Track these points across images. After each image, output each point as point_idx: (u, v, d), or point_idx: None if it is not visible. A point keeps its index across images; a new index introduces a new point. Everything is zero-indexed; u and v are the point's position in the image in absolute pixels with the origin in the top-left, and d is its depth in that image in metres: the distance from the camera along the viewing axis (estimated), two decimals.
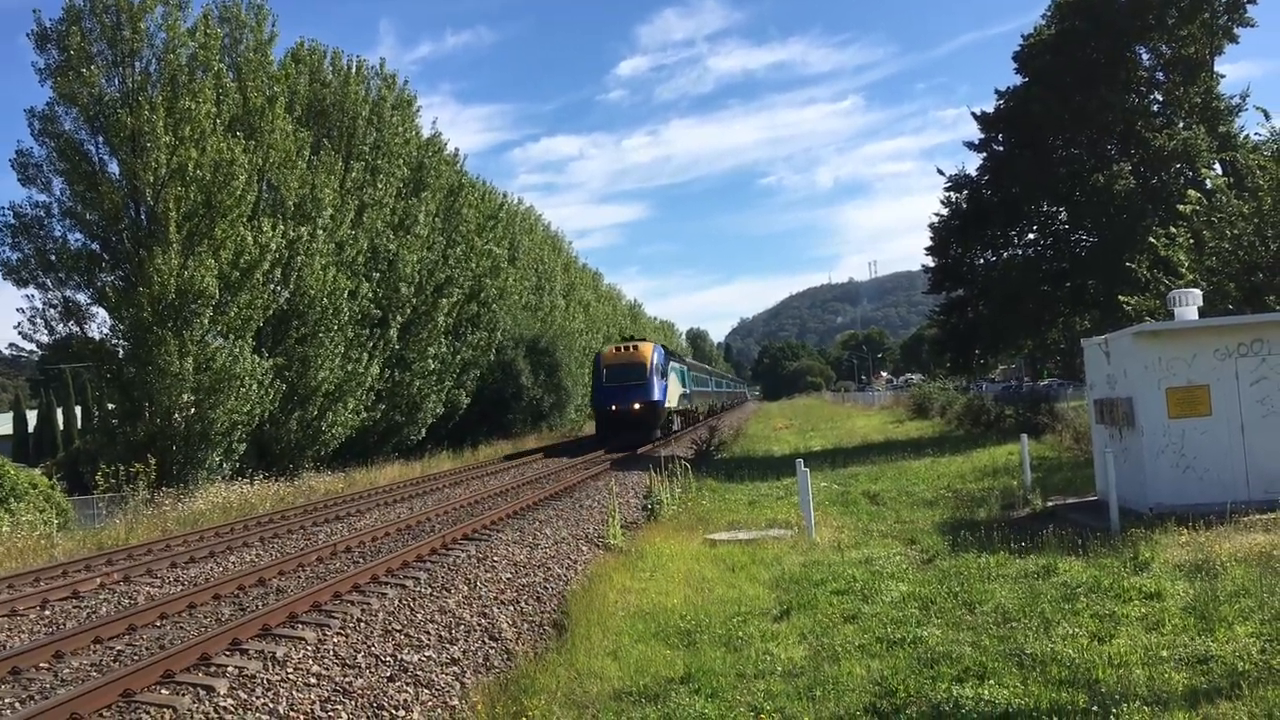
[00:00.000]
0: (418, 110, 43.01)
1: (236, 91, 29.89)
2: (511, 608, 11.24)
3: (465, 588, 11.93)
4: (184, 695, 7.77)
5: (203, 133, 26.53)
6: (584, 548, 15.12)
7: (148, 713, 7.43)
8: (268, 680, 8.20)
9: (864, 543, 13.83)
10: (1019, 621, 8.84)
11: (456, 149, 46.55)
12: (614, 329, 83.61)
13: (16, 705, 7.92)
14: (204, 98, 26.72)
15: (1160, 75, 33.73)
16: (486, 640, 9.92)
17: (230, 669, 8.45)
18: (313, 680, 8.29)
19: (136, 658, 9.25)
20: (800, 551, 13.34)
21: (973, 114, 36.46)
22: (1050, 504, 15.87)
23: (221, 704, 7.61)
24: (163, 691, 7.92)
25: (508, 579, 12.59)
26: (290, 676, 8.34)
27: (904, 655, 8.12)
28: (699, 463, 28.31)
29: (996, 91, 36.09)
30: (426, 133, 43.66)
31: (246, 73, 30.97)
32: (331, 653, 9.09)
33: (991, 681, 7.20)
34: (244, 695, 7.84)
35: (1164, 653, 7.58)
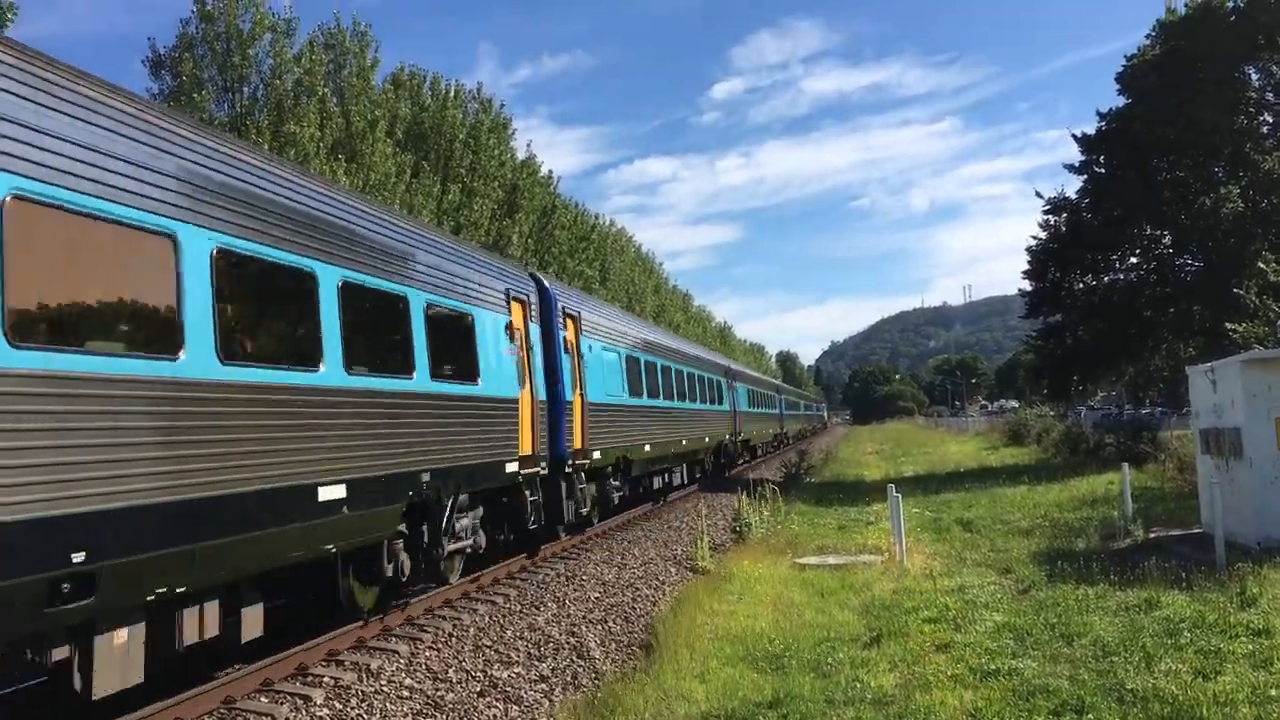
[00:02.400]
0: (513, 133, 43.59)
1: (340, 115, 30.70)
2: (600, 627, 11.29)
3: (554, 605, 12.02)
4: (282, 705, 7.97)
5: (306, 156, 27.27)
6: (672, 569, 15.12)
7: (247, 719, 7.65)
8: (362, 691, 8.37)
9: (957, 571, 13.57)
10: (1119, 655, 8.60)
11: (550, 171, 47.08)
12: None
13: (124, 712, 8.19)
14: (308, 121, 27.48)
15: (1270, 96, 32.67)
16: (575, 658, 9.98)
17: (326, 679, 8.64)
18: (405, 693, 8.44)
19: (236, 667, 9.50)
20: (891, 578, 13.15)
21: (1073, 135, 35.68)
22: (1152, 535, 15.40)
23: (318, 713, 7.79)
24: (262, 700, 8.13)
25: (596, 598, 12.65)
26: (384, 689, 8.50)
27: (998, 686, 7.96)
28: (788, 486, 28.10)
29: (1098, 113, 35.24)
30: (521, 155, 44.28)
31: (349, 97, 31.75)
32: (423, 666, 9.24)
33: (1090, 716, 7.03)
34: (339, 705, 8.02)
35: (1273, 691, 7.32)
